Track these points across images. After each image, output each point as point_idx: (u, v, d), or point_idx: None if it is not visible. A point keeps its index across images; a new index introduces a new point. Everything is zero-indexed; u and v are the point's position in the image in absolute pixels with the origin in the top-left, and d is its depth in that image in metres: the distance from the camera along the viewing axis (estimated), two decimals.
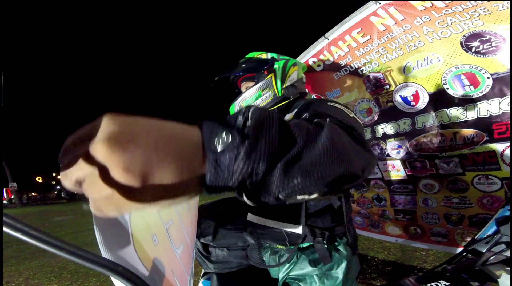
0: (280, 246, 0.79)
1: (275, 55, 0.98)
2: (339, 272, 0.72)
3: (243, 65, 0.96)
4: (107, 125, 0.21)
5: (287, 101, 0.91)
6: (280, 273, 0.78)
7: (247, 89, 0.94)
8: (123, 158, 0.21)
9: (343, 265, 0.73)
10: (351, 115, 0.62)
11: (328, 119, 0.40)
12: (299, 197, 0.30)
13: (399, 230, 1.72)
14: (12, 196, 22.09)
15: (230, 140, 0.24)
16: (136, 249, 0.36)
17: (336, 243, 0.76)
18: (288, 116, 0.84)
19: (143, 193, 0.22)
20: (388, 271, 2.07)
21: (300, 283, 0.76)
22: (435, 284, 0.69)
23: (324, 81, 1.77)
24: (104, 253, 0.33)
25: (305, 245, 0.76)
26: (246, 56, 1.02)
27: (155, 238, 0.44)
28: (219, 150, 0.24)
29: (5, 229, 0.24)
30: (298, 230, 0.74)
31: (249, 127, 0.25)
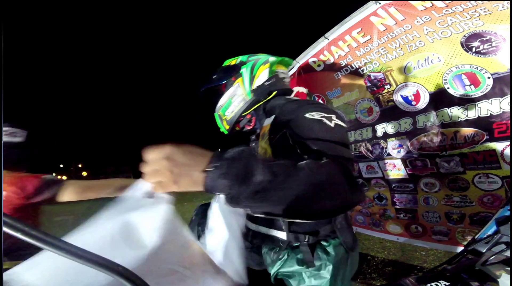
0: (275, 247, 0.83)
1: (243, 58, 0.95)
2: (326, 273, 0.73)
3: (214, 76, 0.96)
4: (167, 152, 0.41)
5: (261, 102, 0.89)
6: (272, 269, 0.81)
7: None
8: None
9: (330, 267, 0.74)
10: (332, 124, 0.61)
11: (324, 159, 0.50)
12: (267, 216, 0.44)
13: (400, 228, 1.72)
14: None
15: (220, 165, 0.41)
16: None
17: (326, 244, 0.76)
18: (266, 123, 0.82)
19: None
20: (388, 271, 2.07)
21: (289, 280, 0.78)
22: (435, 284, 0.68)
23: (324, 80, 1.77)
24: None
25: (295, 244, 0.78)
26: (222, 65, 1.00)
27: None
28: (210, 169, 0.41)
29: (5, 229, 0.24)
30: (283, 236, 0.78)
31: (224, 161, 0.41)
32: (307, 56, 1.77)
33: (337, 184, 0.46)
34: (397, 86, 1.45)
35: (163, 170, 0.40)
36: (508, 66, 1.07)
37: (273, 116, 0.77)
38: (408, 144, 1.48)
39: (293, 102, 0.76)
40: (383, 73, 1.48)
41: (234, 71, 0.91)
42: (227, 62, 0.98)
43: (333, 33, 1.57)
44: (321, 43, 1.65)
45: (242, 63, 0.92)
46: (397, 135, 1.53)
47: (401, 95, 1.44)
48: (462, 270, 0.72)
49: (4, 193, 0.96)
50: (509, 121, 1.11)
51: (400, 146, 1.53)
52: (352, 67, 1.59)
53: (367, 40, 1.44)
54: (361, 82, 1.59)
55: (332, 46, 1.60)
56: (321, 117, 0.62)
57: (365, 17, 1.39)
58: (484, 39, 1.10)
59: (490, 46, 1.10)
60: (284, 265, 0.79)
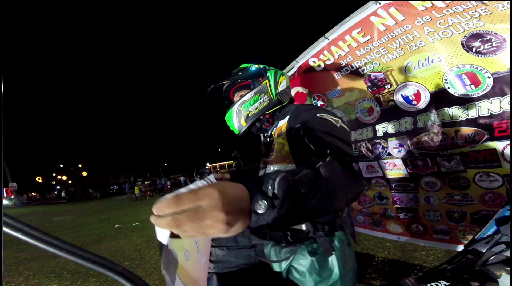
0: (283, 243, 0.83)
1: (263, 65, 1.07)
2: (335, 263, 0.79)
3: (239, 74, 1.03)
4: (217, 199, 0.35)
5: (281, 105, 0.99)
6: (283, 264, 0.84)
7: (241, 97, 0.99)
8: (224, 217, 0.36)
9: (339, 257, 0.79)
10: (338, 125, 0.72)
11: (329, 157, 0.54)
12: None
13: (401, 228, 1.72)
14: (12, 196, 22.08)
15: (267, 207, 0.40)
16: (178, 272, 0.43)
17: (332, 236, 0.81)
18: (281, 123, 0.91)
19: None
20: (388, 271, 2.07)
21: (298, 273, 0.81)
22: (435, 284, 0.68)
23: (324, 80, 1.77)
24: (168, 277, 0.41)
25: (310, 235, 0.80)
26: (239, 67, 1.08)
27: (187, 254, 0.47)
28: (260, 212, 0.40)
29: (5, 229, 0.24)
30: (302, 226, 0.79)
31: (279, 199, 0.41)
32: (307, 56, 1.77)
33: (346, 179, 0.53)
34: (397, 85, 1.45)
35: (210, 220, 0.35)
36: (508, 66, 1.07)
37: (287, 116, 0.87)
38: (409, 143, 1.48)
39: (305, 105, 0.88)
40: (383, 73, 1.48)
41: (261, 73, 1.02)
42: (245, 66, 1.08)
43: (333, 33, 1.56)
44: (321, 43, 1.65)
45: (266, 69, 1.04)
46: (397, 134, 1.52)
47: (402, 95, 1.44)
48: (462, 270, 0.71)
49: None
50: (509, 121, 1.11)
51: (401, 145, 1.53)
52: (352, 67, 1.59)
53: (367, 40, 1.44)
54: (361, 82, 1.59)
55: (332, 46, 1.60)
56: (330, 118, 0.73)
57: (365, 17, 1.39)
58: (485, 39, 1.10)
59: (490, 46, 1.10)
60: (295, 257, 0.80)
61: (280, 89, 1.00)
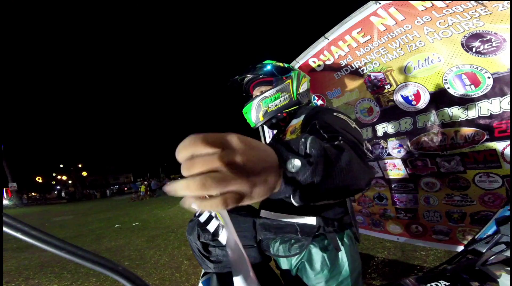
0: (292, 238, 0.84)
1: (288, 65, 1.12)
2: (345, 260, 0.80)
3: (264, 69, 1.07)
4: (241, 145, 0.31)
5: (299, 106, 1.04)
6: (293, 260, 0.84)
7: (261, 92, 1.04)
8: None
9: (348, 254, 0.80)
10: (352, 126, 0.73)
11: (341, 141, 0.52)
12: (322, 202, 0.42)
13: (400, 228, 1.72)
14: (12, 196, 22.07)
15: (300, 166, 0.36)
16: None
17: (342, 233, 0.83)
18: (296, 121, 0.94)
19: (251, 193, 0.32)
20: (388, 271, 2.07)
21: (307, 270, 0.81)
22: (435, 284, 0.68)
23: (324, 80, 1.77)
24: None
25: (319, 232, 0.81)
26: (264, 62, 1.11)
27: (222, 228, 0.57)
28: (293, 171, 0.35)
29: (5, 229, 0.24)
30: (312, 221, 0.80)
31: (313, 157, 0.37)
32: (307, 56, 1.77)
33: (361, 160, 0.49)
34: (397, 86, 1.45)
35: (226, 174, 0.28)
36: (508, 66, 1.07)
37: (303, 115, 0.89)
38: (409, 143, 1.48)
39: (323, 107, 0.97)
40: (383, 73, 1.48)
41: (285, 71, 1.06)
42: (270, 62, 1.10)
43: (333, 33, 1.57)
44: (321, 43, 1.65)
45: (290, 69, 1.08)
46: (397, 135, 1.52)
47: (402, 95, 1.44)
48: (462, 270, 0.72)
49: None
50: (509, 121, 1.11)
51: (401, 145, 1.52)
52: (352, 67, 1.59)
53: (367, 40, 1.44)
54: (361, 82, 1.59)
55: (332, 46, 1.60)
56: (346, 118, 0.75)
57: (365, 17, 1.39)
58: (485, 39, 1.10)
59: (490, 46, 1.10)
60: (308, 253, 0.81)
61: (301, 90, 1.05)
